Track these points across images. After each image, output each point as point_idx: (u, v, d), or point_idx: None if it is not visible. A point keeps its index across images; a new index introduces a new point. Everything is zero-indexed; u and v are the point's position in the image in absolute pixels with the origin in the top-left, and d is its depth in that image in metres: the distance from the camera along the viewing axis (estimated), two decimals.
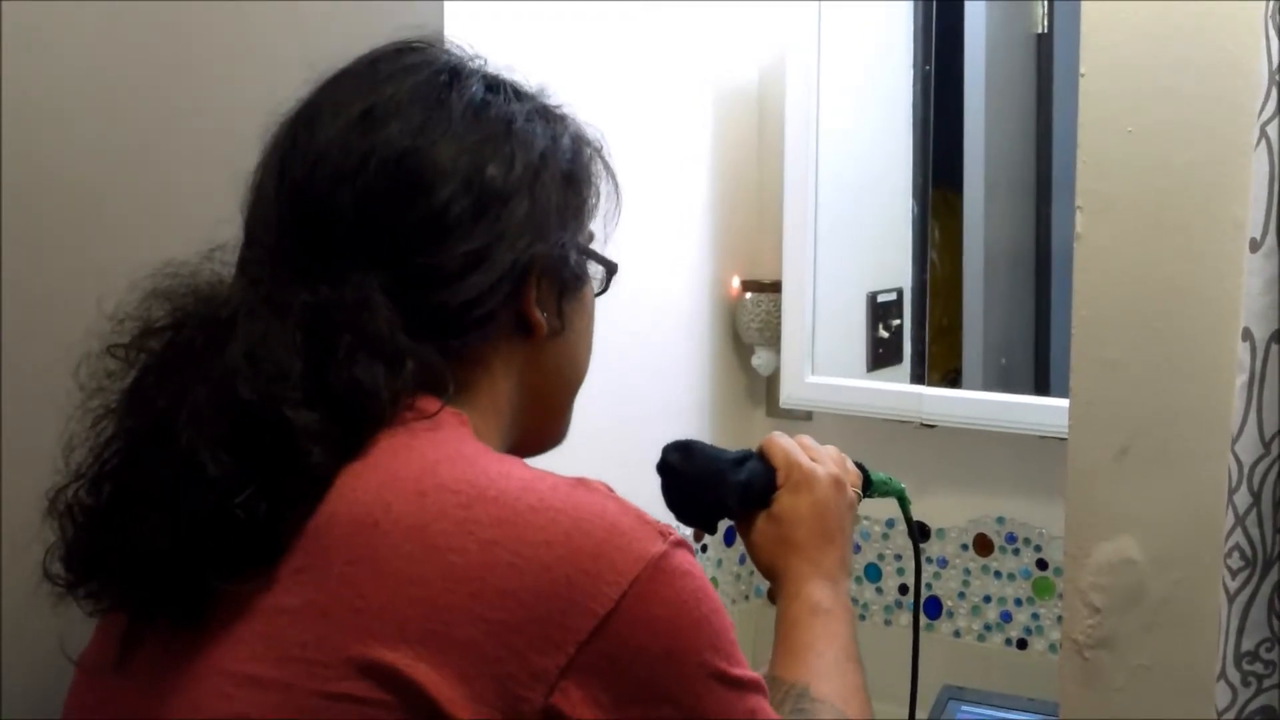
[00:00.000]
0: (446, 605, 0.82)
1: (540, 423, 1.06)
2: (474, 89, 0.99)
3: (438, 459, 0.89)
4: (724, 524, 1.25)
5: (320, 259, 0.94)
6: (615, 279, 1.09)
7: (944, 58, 2.16)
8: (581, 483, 0.90)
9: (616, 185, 1.08)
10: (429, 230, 0.94)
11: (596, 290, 1.08)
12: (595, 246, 1.07)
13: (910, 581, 2.09)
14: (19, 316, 1.14)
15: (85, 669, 0.98)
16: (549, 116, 1.03)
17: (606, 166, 1.07)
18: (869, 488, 1.26)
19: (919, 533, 2.03)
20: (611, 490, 0.92)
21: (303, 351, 0.90)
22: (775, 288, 2.12)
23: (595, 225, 1.07)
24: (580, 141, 1.05)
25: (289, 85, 1.34)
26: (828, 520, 1.16)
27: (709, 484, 1.19)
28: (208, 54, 1.28)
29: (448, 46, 1.05)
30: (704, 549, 2.10)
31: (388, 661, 0.81)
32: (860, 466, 1.26)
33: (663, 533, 0.88)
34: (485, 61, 1.04)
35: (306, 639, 0.84)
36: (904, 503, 1.30)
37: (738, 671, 0.89)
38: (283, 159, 0.99)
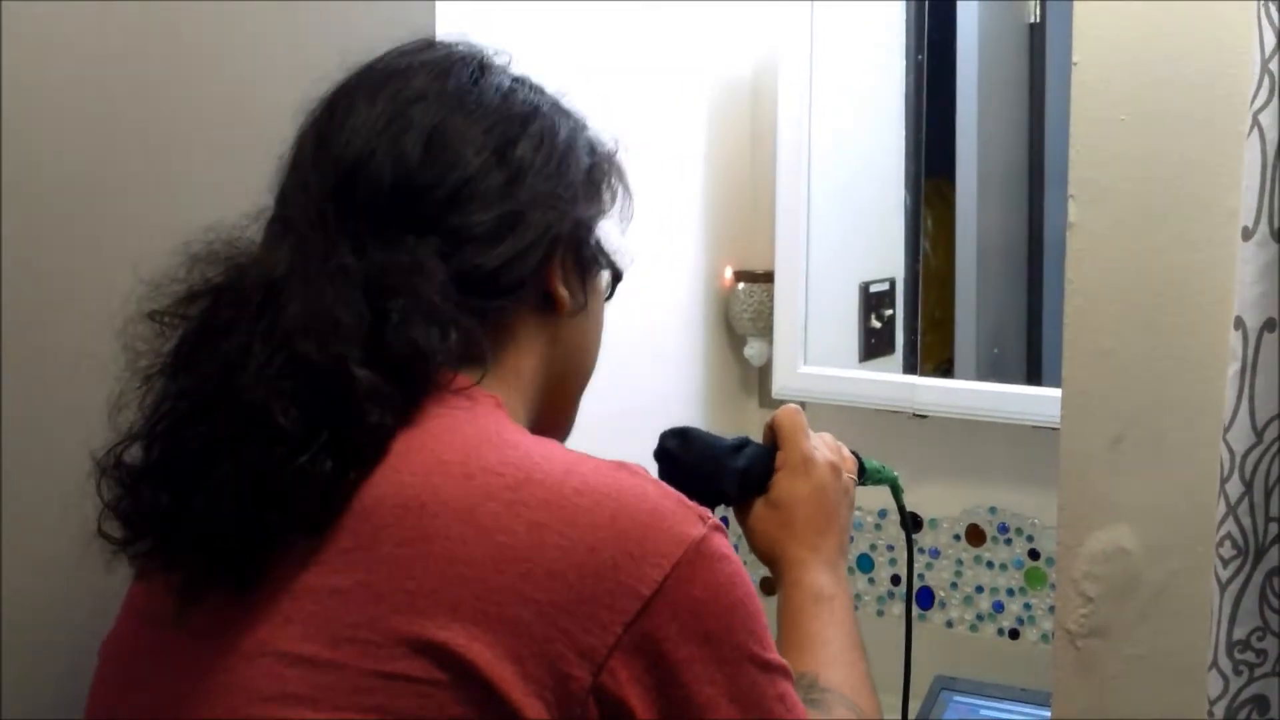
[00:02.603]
0: (497, 586, 0.84)
1: (553, 409, 1.08)
2: (501, 78, 1.04)
3: (480, 441, 0.91)
4: (721, 510, 1.25)
5: (364, 225, 0.96)
6: (619, 285, 1.13)
7: (937, 48, 2.16)
8: (622, 466, 0.92)
9: (629, 195, 1.11)
10: (463, 196, 0.98)
11: (604, 295, 1.11)
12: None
13: (903, 572, 2.09)
14: (19, 316, 1.14)
15: (138, 615, 1.00)
16: (570, 116, 1.07)
17: (621, 175, 1.10)
18: (863, 475, 1.27)
19: (911, 522, 2.04)
20: (649, 473, 0.94)
21: (361, 312, 0.92)
22: (768, 278, 2.12)
23: (606, 230, 1.10)
24: (598, 145, 1.09)
25: (284, 85, 1.34)
26: (826, 505, 1.17)
27: (707, 470, 1.19)
28: (203, 54, 1.27)
29: (470, 42, 1.09)
30: None
31: (442, 640, 0.82)
32: (854, 454, 1.26)
33: (702, 516, 0.90)
34: (510, 59, 1.08)
35: (359, 620, 0.85)
36: (897, 491, 1.30)
37: (770, 655, 0.90)
38: (320, 132, 1.02)
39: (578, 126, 1.07)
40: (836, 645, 1.10)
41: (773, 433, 1.23)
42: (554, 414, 1.08)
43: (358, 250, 0.95)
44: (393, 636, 0.83)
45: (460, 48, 1.06)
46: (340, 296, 0.92)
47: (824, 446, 1.22)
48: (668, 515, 0.89)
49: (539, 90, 1.07)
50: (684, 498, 0.91)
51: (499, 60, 1.07)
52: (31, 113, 1.13)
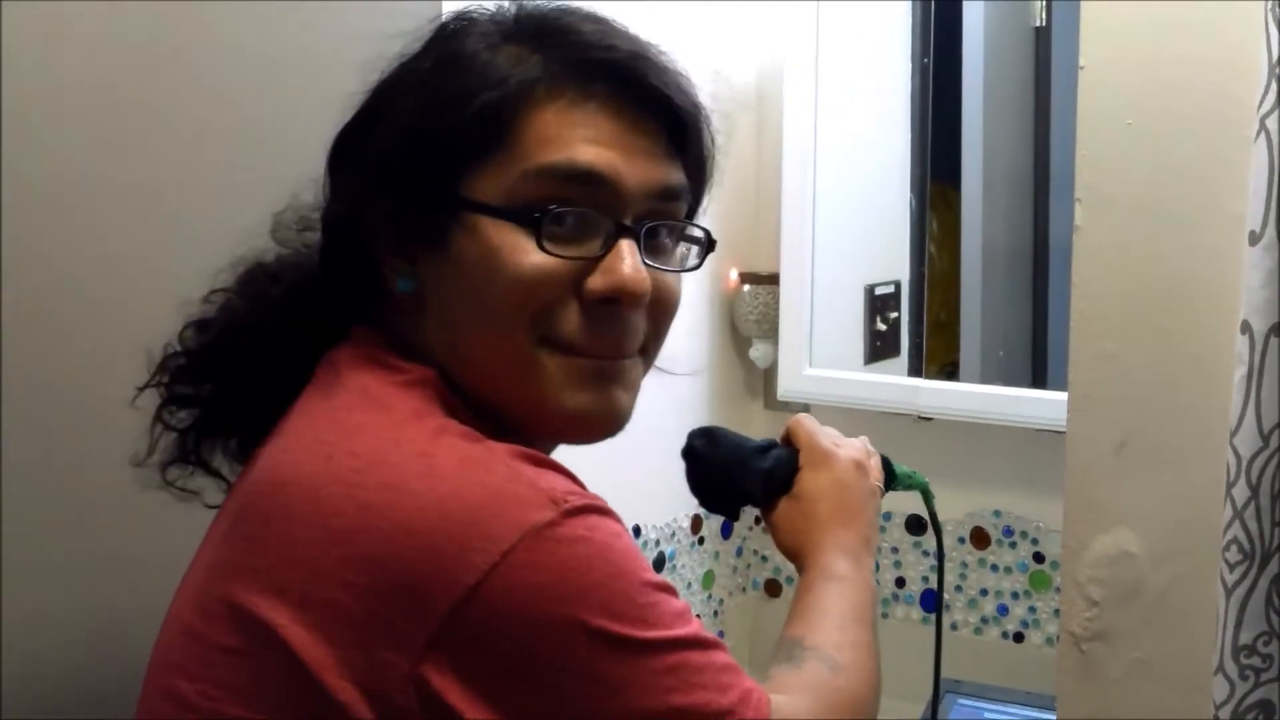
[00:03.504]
0: (321, 569, 0.83)
1: (490, 403, 0.98)
2: (428, 44, 1.00)
3: (361, 425, 0.90)
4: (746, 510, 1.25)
5: None
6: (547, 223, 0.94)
7: (943, 51, 2.16)
8: (487, 450, 0.87)
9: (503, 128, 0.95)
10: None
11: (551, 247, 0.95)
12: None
13: (907, 575, 2.09)
14: (19, 316, 1.14)
15: None
16: (446, 69, 0.97)
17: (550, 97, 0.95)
18: (892, 480, 1.26)
19: (926, 525, 2.03)
20: (536, 458, 0.88)
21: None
22: (773, 280, 2.12)
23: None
24: (481, 85, 0.95)
25: (285, 84, 1.34)
26: (848, 499, 1.15)
27: (733, 470, 1.19)
28: (203, 52, 1.27)
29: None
30: (700, 541, 2.10)
31: (268, 619, 0.83)
32: (884, 459, 1.25)
33: (555, 501, 0.84)
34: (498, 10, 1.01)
35: (219, 594, 0.87)
36: (928, 497, 1.30)
37: (647, 634, 0.84)
38: None
39: (444, 84, 0.96)
40: (834, 614, 1.04)
41: (790, 439, 1.22)
42: (503, 412, 0.98)
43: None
44: (236, 612, 0.85)
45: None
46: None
47: (852, 447, 1.21)
48: (508, 501, 0.83)
49: (431, 53, 0.99)
50: (542, 482, 0.86)
51: (475, 16, 1.00)
52: (32, 113, 1.14)
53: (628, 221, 0.96)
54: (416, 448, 0.87)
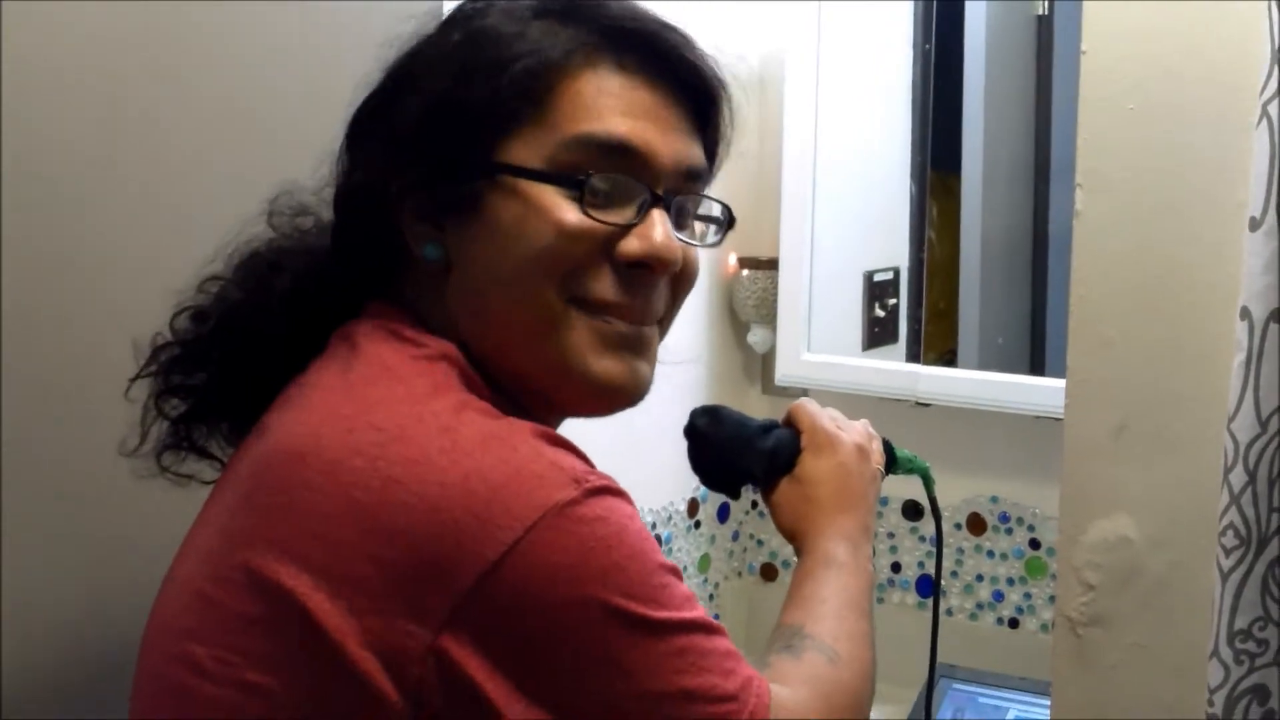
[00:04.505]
0: (343, 540, 0.84)
1: (511, 375, 0.99)
2: (451, 19, 1.03)
3: (382, 399, 0.90)
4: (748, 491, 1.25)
5: None
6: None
7: (944, 38, 2.16)
8: (510, 428, 0.88)
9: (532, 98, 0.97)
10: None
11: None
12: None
13: (903, 560, 2.09)
14: (19, 315, 1.14)
15: None
16: (480, 39, 0.99)
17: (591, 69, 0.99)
18: (893, 464, 1.26)
19: (923, 511, 2.03)
20: (553, 437, 0.90)
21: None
22: (772, 265, 2.12)
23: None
24: (512, 57, 0.97)
25: (287, 83, 1.34)
26: (850, 483, 1.15)
27: (735, 450, 1.19)
28: (207, 49, 1.27)
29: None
30: (697, 525, 2.10)
31: (290, 588, 0.84)
32: (886, 443, 1.25)
33: (577, 479, 0.86)
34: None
35: (235, 562, 0.88)
36: (928, 482, 1.30)
37: (660, 615, 0.86)
38: None
39: (476, 55, 0.98)
40: (834, 603, 1.05)
41: (792, 421, 1.22)
42: (524, 384, 1.00)
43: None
44: (254, 580, 0.86)
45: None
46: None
47: (854, 431, 1.21)
48: (530, 478, 0.85)
49: (459, 23, 1.01)
50: (563, 462, 0.87)
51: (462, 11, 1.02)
52: (32, 112, 1.13)
53: (659, 192, 0.99)
54: (439, 422, 0.88)
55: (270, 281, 1.05)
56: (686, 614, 0.88)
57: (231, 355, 1.05)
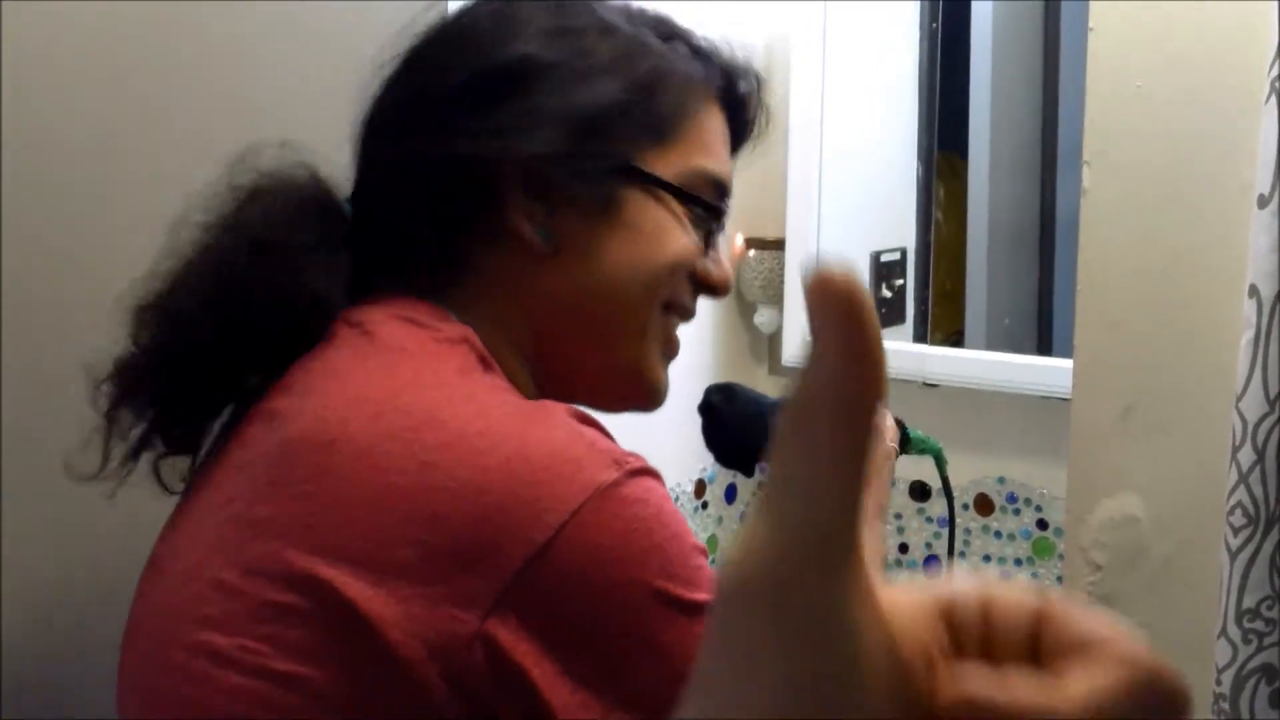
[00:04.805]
0: (383, 526, 0.83)
1: (561, 360, 1.02)
2: (509, 6, 1.04)
3: (408, 381, 0.89)
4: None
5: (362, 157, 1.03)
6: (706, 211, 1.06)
7: (951, 17, 2.15)
8: (541, 409, 0.89)
9: (668, 113, 1.03)
10: (392, 128, 1.02)
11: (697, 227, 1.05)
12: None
13: (910, 540, 2.09)
14: (19, 314, 1.14)
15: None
16: (611, 32, 1.03)
17: (731, 92, 1.09)
18: (906, 444, 1.26)
19: (936, 491, 2.03)
20: (584, 417, 0.90)
21: (308, 234, 0.99)
22: (779, 245, 2.12)
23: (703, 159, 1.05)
24: (658, 68, 1.03)
25: (294, 83, 1.33)
26: None
27: (750, 427, 1.19)
28: (212, 52, 1.27)
29: None
30: (704, 506, 2.11)
31: (327, 577, 0.82)
32: (899, 423, 1.25)
33: (619, 461, 0.85)
34: None
35: (264, 551, 0.86)
36: (940, 462, 1.30)
37: (696, 596, 0.85)
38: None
39: (575, 54, 1.01)
40: None
41: None
42: (565, 366, 1.02)
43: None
44: (287, 570, 0.84)
45: None
46: (299, 216, 1.01)
47: None
48: (572, 460, 0.84)
49: (533, 17, 1.03)
50: (601, 443, 0.87)
51: None
52: (32, 112, 1.13)
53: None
54: (472, 404, 0.87)
55: (265, 269, 1.01)
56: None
57: (222, 350, 1.01)
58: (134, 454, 1.02)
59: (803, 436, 0.36)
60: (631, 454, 0.88)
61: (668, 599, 0.84)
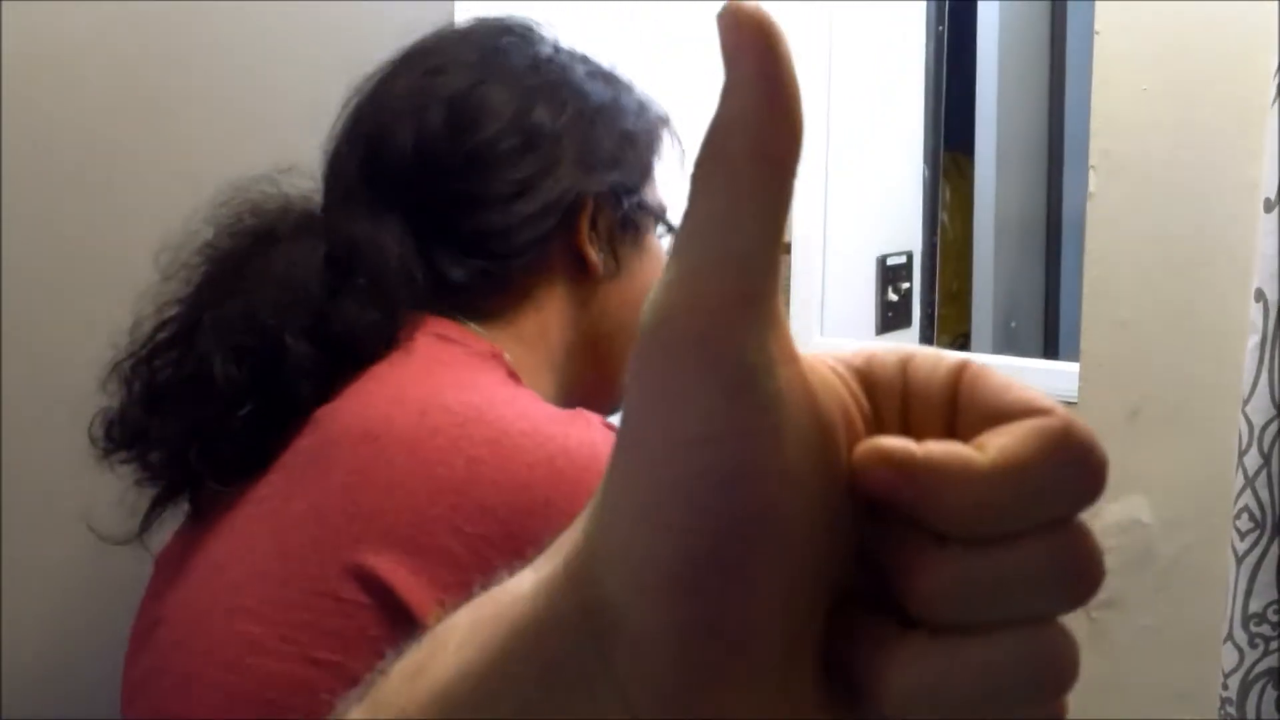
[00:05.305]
0: (429, 516, 0.85)
1: (595, 374, 1.09)
2: (539, 47, 1.08)
3: (448, 383, 0.92)
4: None
5: (377, 195, 1.02)
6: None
7: (957, 17, 2.15)
8: (579, 414, 0.92)
9: (683, 158, 1.14)
10: (477, 163, 1.01)
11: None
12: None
13: None
14: (19, 314, 1.14)
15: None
16: (613, 80, 1.10)
17: (674, 138, 1.14)
18: None
19: None
20: (610, 425, 0.93)
21: (323, 281, 0.96)
22: (785, 249, 2.11)
23: (661, 194, 1.13)
24: (645, 108, 1.11)
25: (298, 84, 1.33)
26: None
27: None
28: (215, 53, 1.27)
29: (528, 23, 1.12)
30: None
31: (370, 565, 0.84)
32: None
33: None
34: (554, 31, 1.11)
35: (305, 540, 0.88)
36: None
37: None
38: (358, 108, 1.06)
39: (619, 92, 1.09)
40: None
41: None
42: (598, 378, 1.10)
43: (357, 220, 1.00)
44: (329, 559, 0.86)
45: (497, 20, 1.10)
46: (312, 263, 0.97)
47: None
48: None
49: (577, 58, 1.09)
50: None
51: (540, 31, 1.10)
52: (32, 111, 1.13)
53: None
54: (515, 408, 0.90)
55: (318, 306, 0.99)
56: None
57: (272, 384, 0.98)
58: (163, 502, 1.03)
59: (720, 170, 0.35)
60: None
61: None
